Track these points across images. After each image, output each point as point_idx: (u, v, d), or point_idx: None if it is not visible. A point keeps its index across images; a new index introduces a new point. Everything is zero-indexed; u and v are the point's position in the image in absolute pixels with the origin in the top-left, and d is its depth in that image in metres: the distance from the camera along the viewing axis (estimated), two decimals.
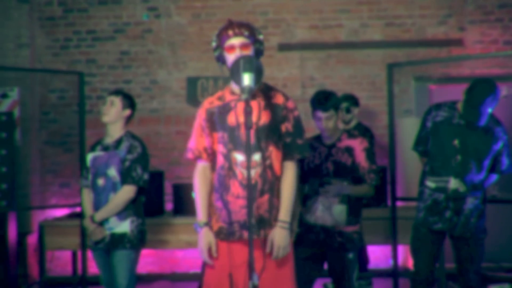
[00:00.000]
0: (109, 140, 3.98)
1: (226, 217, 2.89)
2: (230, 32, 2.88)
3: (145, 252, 6.05)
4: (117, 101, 3.95)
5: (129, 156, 3.92)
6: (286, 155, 2.96)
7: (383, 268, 5.94)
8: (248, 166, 2.59)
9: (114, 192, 3.87)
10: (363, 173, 3.78)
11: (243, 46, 2.88)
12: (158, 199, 5.07)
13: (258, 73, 2.71)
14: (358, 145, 3.80)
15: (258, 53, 2.97)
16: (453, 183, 3.85)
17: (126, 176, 3.91)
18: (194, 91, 6.20)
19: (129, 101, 4.03)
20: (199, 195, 3.00)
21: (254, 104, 2.92)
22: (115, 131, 3.96)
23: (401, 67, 5.04)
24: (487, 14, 6.13)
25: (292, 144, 2.96)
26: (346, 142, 3.81)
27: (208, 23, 6.24)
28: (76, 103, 5.87)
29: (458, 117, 3.88)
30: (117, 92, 4.02)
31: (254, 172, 2.86)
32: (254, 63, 2.69)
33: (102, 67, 6.29)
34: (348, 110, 5.43)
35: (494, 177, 3.98)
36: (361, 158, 3.78)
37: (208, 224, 2.95)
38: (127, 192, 3.91)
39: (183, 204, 4.89)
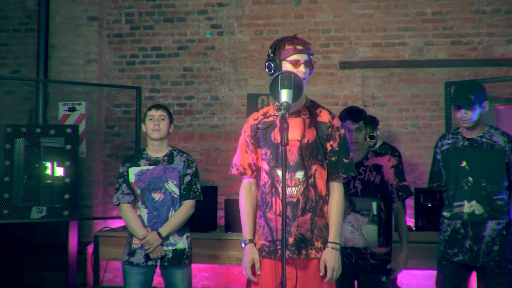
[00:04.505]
0: (156, 154, 3.97)
1: (268, 235, 2.86)
2: (299, 47, 2.85)
3: (201, 267, 6.10)
4: (167, 116, 3.99)
5: (189, 171, 3.95)
6: (331, 175, 2.90)
7: None
8: (283, 183, 2.56)
9: (174, 206, 3.88)
10: (391, 191, 3.67)
11: (307, 64, 2.86)
12: (212, 214, 5.10)
13: (297, 89, 2.69)
14: (386, 163, 3.70)
15: (310, 71, 2.95)
16: (467, 206, 3.68)
17: (188, 191, 3.93)
18: (254, 108, 6.23)
19: (172, 116, 4.08)
20: (244, 212, 2.99)
21: (299, 121, 2.89)
22: (163, 146, 3.98)
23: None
24: None
25: (337, 163, 2.89)
26: (374, 160, 3.71)
27: (270, 41, 6.25)
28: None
29: (462, 139, 3.78)
30: (162, 107, 4.03)
31: (296, 190, 2.83)
32: (293, 80, 2.67)
33: (166, 83, 6.43)
34: (372, 137, 5.27)
35: None
36: (389, 175, 3.68)
37: (252, 241, 2.93)
38: (191, 207, 3.94)
39: (235, 219, 4.89)
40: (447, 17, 6.04)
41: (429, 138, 6.01)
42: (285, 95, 2.63)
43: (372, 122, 5.28)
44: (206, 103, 6.37)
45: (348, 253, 3.63)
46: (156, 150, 3.97)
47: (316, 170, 2.87)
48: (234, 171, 3.05)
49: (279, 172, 2.82)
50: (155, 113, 3.95)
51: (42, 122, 6.19)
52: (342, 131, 2.94)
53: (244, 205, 3.00)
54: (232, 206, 4.98)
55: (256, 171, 3.00)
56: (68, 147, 5.42)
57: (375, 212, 3.63)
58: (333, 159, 2.90)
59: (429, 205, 4.83)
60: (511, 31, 5.93)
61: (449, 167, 3.82)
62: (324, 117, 2.92)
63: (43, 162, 5.41)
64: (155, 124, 3.91)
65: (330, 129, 2.90)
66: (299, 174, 2.84)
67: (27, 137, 5.44)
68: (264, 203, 2.89)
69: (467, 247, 3.68)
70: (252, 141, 2.98)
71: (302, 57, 2.84)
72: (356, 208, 3.62)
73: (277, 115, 2.60)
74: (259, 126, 2.94)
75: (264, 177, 2.91)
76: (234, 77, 6.33)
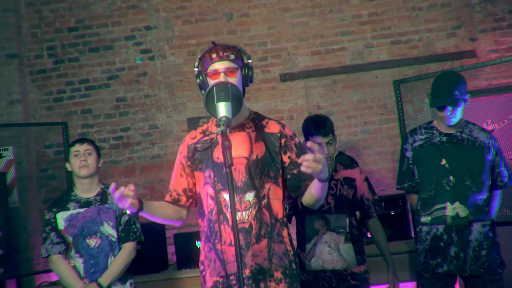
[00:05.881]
0: (86, 194, 3.55)
1: (221, 269, 2.48)
2: (214, 56, 2.51)
3: None
4: (93, 150, 3.58)
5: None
6: (297, 190, 2.56)
7: None
8: (232, 207, 2.20)
9: (113, 251, 3.45)
10: (368, 205, 3.39)
11: (228, 71, 2.50)
12: (161, 252, 4.67)
13: (236, 101, 2.36)
14: (359, 176, 3.42)
15: (246, 79, 2.59)
16: (450, 209, 3.32)
17: (127, 233, 3.50)
18: None
19: (99, 150, 3.68)
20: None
21: (243, 136, 2.55)
22: (93, 184, 3.57)
23: (408, 83, 4.64)
24: (498, 21, 5.75)
25: (301, 175, 2.54)
26: (344, 172, 3.41)
27: None
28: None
29: (439, 134, 3.45)
30: (87, 140, 3.63)
31: (248, 214, 2.46)
32: (230, 90, 2.33)
33: (98, 117, 6.00)
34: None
35: (498, 196, 3.47)
36: (364, 189, 3.38)
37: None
38: (131, 250, 3.52)
39: (187, 255, 4.49)
40: (383, 17, 5.86)
41: (380, 143, 5.78)
42: (223, 108, 2.29)
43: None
44: (144, 133, 5.97)
45: (328, 277, 3.31)
46: (85, 189, 3.54)
47: (269, 189, 2.52)
48: (167, 197, 2.68)
49: (226, 196, 2.46)
50: (80, 148, 3.53)
51: None
52: (297, 140, 2.60)
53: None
54: (183, 240, 4.57)
55: (192, 198, 2.63)
56: None
57: (347, 229, 3.33)
58: (295, 171, 2.55)
59: (392, 213, 4.55)
60: (450, 25, 5.79)
61: (424, 165, 3.46)
62: (272, 127, 2.59)
63: None
64: (81, 160, 3.49)
65: (284, 139, 2.56)
66: (249, 196, 2.48)
67: None
68: (213, 233, 2.51)
69: (452, 254, 3.33)
70: (189, 163, 2.61)
71: (221, 65, 2.50)
72: (331, 226, 3.31)
73: (216, 133, 2.25)
74: (198, 146, 2.59)
75: (209, 203, 2.53)
76: (171, 103, 5.96)
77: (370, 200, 3.39)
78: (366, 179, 3.44)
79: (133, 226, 3.53)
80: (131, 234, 3.51)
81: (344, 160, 4.97)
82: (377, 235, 3.47)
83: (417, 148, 3.50)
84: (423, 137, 3.50)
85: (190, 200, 2.65)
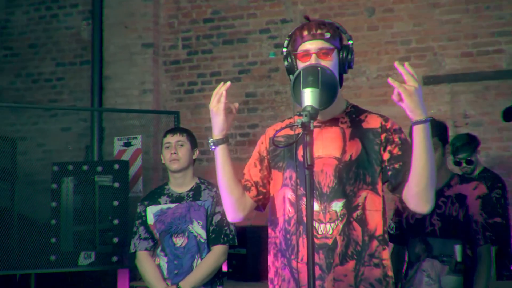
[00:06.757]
0: (179, 189, 3.28)
1: None
2: (305, 33, 2.07)
3: None
4: (186, 140, 3.31)
5: (219, 209, 3.20)
6: (398, 187, 2.05)
7: None
8: (308, 216, 1.76)
9: (200, 254, 3.16)
10: (476, 230, 2.75)
11: (321, 53, 2.06)
12: (266, 259, 4.34)
13: (328, 88, 1.91)
14: (471, 191, 2.78)
15: (344, 63, 2.10)
16: None
17: (218, 234, 3.19)
18: None
19: (195, 139, 3.38)
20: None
21: (336, 131, 2.09)
22: (187, 178, 3.29)
23: None
24: None
25: (404, 170, 2.01)
26: (458, 188, 2.81)
27: None
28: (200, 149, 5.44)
29: None
30: (180, 130, 3.37)
31: (333, 228, 2.00)
32: (319, 75, 1.90)
33: None
34: (469, 162, 4.37)
35: None
36: (474, 209, 2.75)
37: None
38: (221, 254, 3.18)
39: None
40: None
41: None
42: (308, 96, 1.85)
43: (470, 143, 4.40)
44: None
45: None
46: (178, 184, 3.28)
47: (365, 198, 2.02)
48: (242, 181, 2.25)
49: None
50: (171, 139, 3.28)
51: (97, 159, 5.74)
52: (403, 135, 2.09)
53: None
54: None
55: (262, 195, 2.18)
56: (116, 185, 4.90)
57: (459, 258, 2.74)
58: (396, 166, 2.03)
59: None
60: None
61: None
62: (372, 122, 2.10)
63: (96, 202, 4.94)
64: (172, 153, 3.23)
65: (384, 134, 2.06)
66: (336, 205, 2.00)
67: (75, 176, 5.00)
68: (289, 247, 2.05)
69: None
70: (269, 156, 2.19)
71: (314, 45, 2.05)
72: (434, 252, 2.77)
73: (296, 124, 1.79)
74: (278, 140, 2.17)
75: (288, 210, 2.08)
76: None
77: (479, 223, 2.75)
78: (482, 197, 2.78)
79: (226, 228, 3.20)
80: (222, 237, 3.18)
81: (486, 178, 4.29)
82: (478, 267, 2.80)
83: None
84: None
85: (260, 197, 2.19)
